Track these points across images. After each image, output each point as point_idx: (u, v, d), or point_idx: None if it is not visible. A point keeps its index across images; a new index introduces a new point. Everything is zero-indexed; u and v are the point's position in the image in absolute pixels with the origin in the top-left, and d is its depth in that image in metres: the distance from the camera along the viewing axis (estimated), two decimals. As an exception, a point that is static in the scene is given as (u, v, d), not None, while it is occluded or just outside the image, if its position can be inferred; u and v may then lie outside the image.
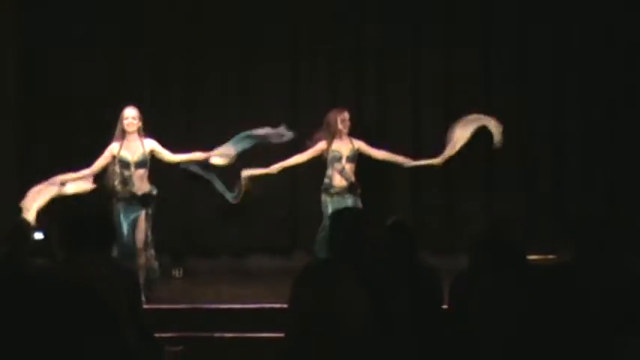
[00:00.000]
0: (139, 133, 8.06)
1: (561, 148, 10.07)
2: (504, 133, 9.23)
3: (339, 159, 8.81)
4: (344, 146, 8.87)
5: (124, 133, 8.04)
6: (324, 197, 8.83)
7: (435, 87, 10.11)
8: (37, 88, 10.10)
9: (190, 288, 8.70)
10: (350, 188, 8.80)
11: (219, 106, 10.13)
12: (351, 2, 10.15)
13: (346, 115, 8.89)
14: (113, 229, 4.94)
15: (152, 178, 8.21)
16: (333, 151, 8.83)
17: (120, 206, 8.00)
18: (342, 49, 10.16)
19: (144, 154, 8.03)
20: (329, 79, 10.16)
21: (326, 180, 8.83)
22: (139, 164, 8.03)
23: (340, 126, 8.83)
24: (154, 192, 8.11)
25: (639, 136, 9.83)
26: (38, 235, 7.07)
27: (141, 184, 8.04)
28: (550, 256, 7.19)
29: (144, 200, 8.02)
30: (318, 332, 4.17)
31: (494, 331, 4.46)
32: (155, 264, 8.10)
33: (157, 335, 5.08)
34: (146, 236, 8.00)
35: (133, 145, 8.04)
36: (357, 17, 10.14)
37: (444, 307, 4.89)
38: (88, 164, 8.30)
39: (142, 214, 8.00)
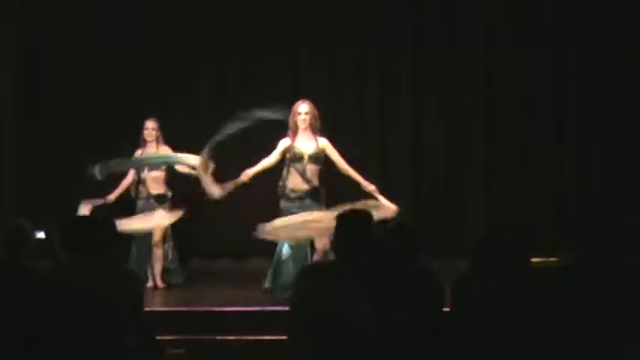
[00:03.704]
0: (157, 142, 8.96)
1: (562, 149, 10.06)
2: (507, 132, 9.32)
3: (300, 159, 7.93)
4: (306, 145, 7.98)
5: (145, 142, 8.98)
6: (283, 203, 8.00)
7: (436, 86, 10.11)
8: (37, 88, 10.12)
9: (192, 291, 8.69)
10: (312, 193, 7.94)
11: (219, 104, 10.14)
12: (352, 2, 10.16)
13: (305, 107, 7.99)
14: (114, 230, 4.93)
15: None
16: (294, 148, 7.95)
17: (139, 205, 8.87)
18: (343, 47, 10.16)
19: None
20: (330, 78, 10.15)
21: (280, 183, 8.01)
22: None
23: (296, 119, 7.96)
24: (169, 193, 8.94)
25: (640, 136, 9.87)
26: (39, 234, 7.15)
27: (156, 185, 8.90)
28: (552, 259, 7.17)
29: (159, 199, 8.86)
30: (319, 333, 4.17)
31: (495, 334, 4.46)
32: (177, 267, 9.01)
33: (158, 338, 5.07)
34: (165, 231, 8.84)
35: (150, 151, 8.94)
36: (358, 16, 10.15)
37: (445, 309, 4.88)
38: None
39: (159, 211, 8.76)
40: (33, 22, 10.09)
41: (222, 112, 10.07)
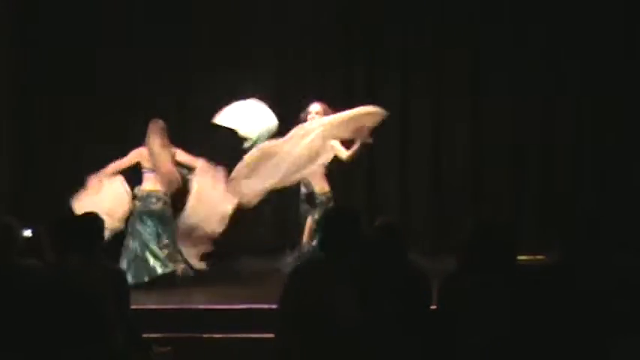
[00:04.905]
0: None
1: (551, 148, 10.09)
2: (495, 132, 9.35)
3: None
4: None
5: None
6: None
7: (424, 88, 10.12)
8: (28, 88, 10.11)
9: (179, 289, 8.67)
10: (307, 198, 8.29)
11: (210, 105, 10.13)
12: (345, 3, 10.17)
13: (316, 107, 8.25)
14: (101, 230, 4.93)
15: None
16: None
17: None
18: (333, 48, 10.17)
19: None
20: (317, 77, 10.15)
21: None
22: None
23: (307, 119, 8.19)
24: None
25: (630, 136, 9.86)
26: (27, 233, 7.15)
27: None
28: (539, 257, 7.20)
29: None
30: (307, 331, 4.18)
31: (482, 333, 4.47)
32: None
33: (145, 336, 5.08)
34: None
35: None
36: (350, 17, 10.16)
37: (432, 307, 4.90)
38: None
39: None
40: (30, 22, 10.08)
41: (211, 110, 10.13)
